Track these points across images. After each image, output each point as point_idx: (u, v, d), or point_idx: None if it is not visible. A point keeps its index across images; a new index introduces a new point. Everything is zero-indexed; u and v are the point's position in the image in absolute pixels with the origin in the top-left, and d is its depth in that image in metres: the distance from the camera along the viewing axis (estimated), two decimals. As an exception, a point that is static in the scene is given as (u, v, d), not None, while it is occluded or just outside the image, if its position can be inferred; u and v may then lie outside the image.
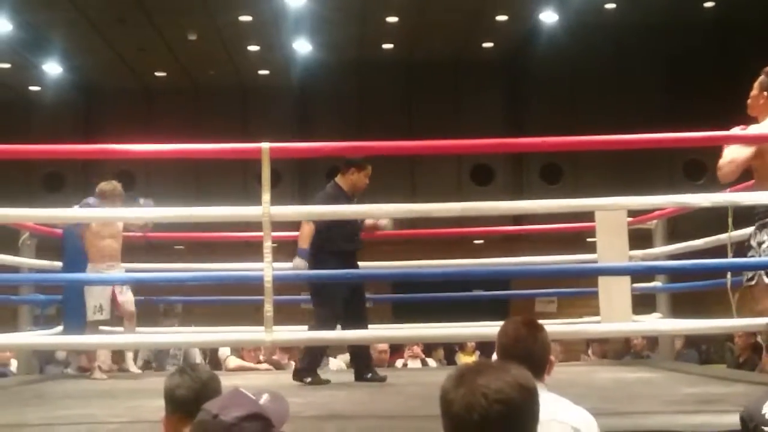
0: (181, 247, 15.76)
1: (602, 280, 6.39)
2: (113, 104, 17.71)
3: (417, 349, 9.84)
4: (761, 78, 4.54)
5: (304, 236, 5.97)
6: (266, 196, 4.51)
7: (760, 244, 4.53)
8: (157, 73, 17.54)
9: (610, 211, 5.73)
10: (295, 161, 17.17)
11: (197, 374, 2.62)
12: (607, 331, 5.76)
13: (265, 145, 4.54)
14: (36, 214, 5.98)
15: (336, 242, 6.05)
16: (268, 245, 4.46)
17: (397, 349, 10.22)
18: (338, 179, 6.26)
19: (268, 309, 4.48)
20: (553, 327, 5.70)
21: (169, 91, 17.80)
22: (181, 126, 15.40)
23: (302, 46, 16.16)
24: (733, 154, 4.43)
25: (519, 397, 1.67)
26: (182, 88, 17.94)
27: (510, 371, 1.72)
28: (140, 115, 17.18)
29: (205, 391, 2.51)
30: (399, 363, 9.70)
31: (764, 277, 4.49)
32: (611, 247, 5.17)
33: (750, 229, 4.68)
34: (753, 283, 4.55)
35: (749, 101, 4.62)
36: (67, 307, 6.96)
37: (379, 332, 7.10)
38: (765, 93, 4.51)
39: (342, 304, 6.01)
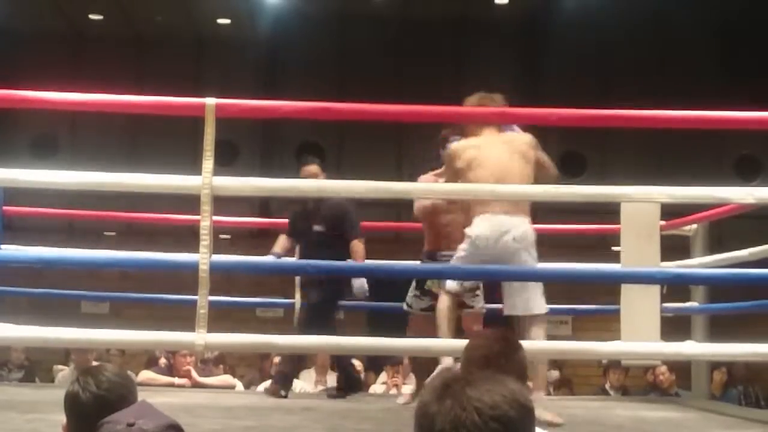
0: (112, 233, 15.74)
1: (625, 293, 6.28)
2: (35, 50, 17.54)
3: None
4: None
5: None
6: (208, 165, 4.48)
7: None
8: (91, 16, 17.44)
9: (639, 206, 5.61)
10: (259, 133, 17.15)
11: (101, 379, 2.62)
12: (623, 352, 5.63)
13: (210, 101, 4.52)
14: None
15: None
16: (206, 225, 4.43)
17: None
18: None
19: (203, 305, 4.45)
20: (559, 345, 5.70)
21: (105, 38, 17.69)
22: (118, 80, 15.29)
23: (273, -8, 16.14)
24: None
25: (517, 417, 1.63)
26: (122, 35, 17.84)
27: (506, 384, 1.68)
28: (68, 64, 17.05)
29: (110, 398, 2.52)
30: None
31: None
32: (638, 250, 5.10)
33: None
34: None
35: None
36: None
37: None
38: None
39: None
